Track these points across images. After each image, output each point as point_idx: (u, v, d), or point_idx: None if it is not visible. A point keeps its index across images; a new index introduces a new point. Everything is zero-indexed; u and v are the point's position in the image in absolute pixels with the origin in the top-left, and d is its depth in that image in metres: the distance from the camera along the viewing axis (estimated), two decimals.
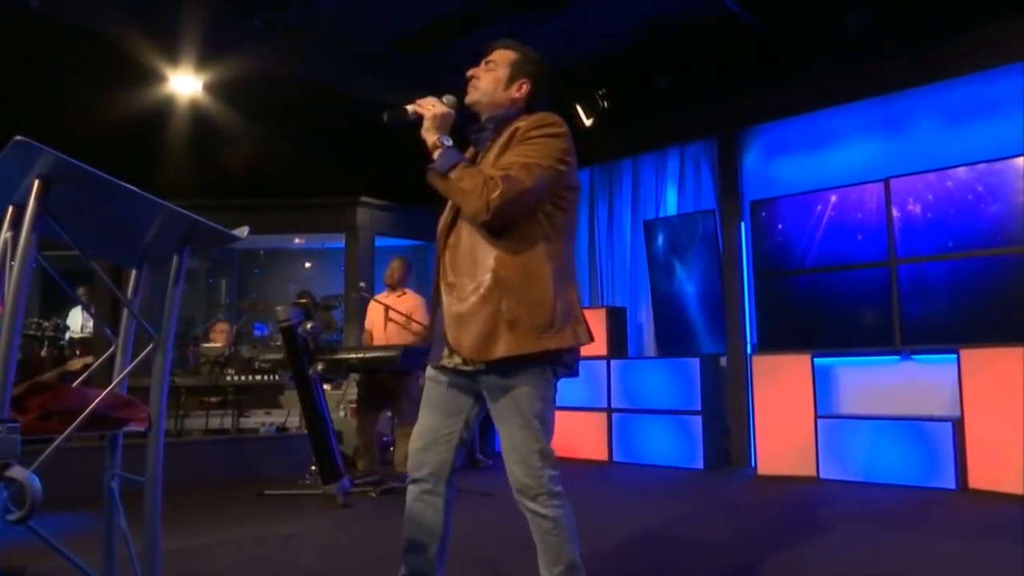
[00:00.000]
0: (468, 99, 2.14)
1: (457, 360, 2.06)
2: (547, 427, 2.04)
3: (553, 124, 2.05)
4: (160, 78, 6.28)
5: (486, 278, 1.99)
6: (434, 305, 2.18)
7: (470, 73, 2.16)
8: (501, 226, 1.98)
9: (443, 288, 2.08)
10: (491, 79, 2.13)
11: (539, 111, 2.13)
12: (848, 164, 5.83)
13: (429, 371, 2.18)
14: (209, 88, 6.51)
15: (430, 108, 2.07)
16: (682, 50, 6.23)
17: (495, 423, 2.07)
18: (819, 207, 5.68)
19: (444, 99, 2.12)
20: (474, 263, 2.01)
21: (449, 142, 2.04)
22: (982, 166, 4.99)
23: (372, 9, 5.74)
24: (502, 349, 1.96)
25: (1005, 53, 5.00)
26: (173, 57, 6.00)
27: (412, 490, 2.13)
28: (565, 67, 6.61)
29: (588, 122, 6.83)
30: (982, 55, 5.09)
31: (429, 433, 2.13)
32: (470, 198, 1.96)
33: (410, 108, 2.09)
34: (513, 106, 2.13)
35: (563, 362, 2.06)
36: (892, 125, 5.73)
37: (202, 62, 6.12)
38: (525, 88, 2.13)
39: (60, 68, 6.02)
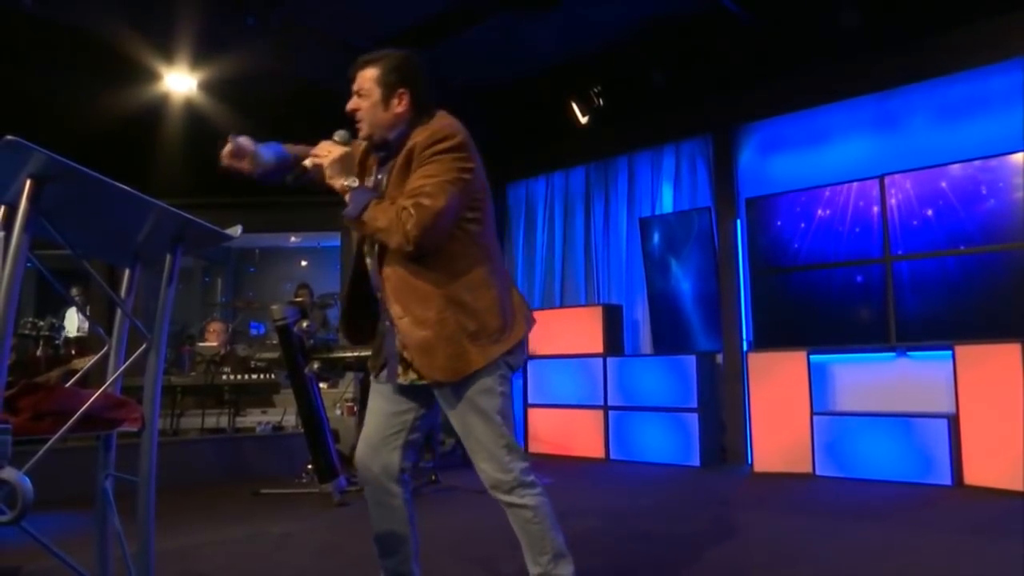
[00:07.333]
0: (361, 135, 2.10)
1: (413, 376, 2.07)
2: (508, 421, 2.04)
3: (447, 137, 1.98)
4: (155, 76, 6.26)
5: (438, 301, 1.98)
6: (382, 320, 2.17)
7: (349, 108, 2.09)
8: (428, 251, 1.97)
9: (392, 316, 2.06)
10: (369, 106, 2.05)
11: (431, 110, 2.08)
12: (844, 161, 5.82)
13: (374, 382, 2.18)
14: (204, 86, 6.49)
15: (326, 155, 2.06)
16: (677, 47, 6.23)
17: (455, 427, 2.07)
18: (814, 204, 5.68)
19: (336, 137, 2.11)
20: (417, 290, 2.00)
21: (355, 183, 2.03)
22: (977, 163, 4.99)
23: (366, 6, 5.73)
24: (473, 364, 1.99)
25: (1002, 49, 5.00)
26: (168, 55, 5.98)
27: (368, 494, 2.14)
28: (560, 64, 6.63)
29: (583, 120, 6.83)
30: (978, 51, 5.09)
31: (372, 436, 2.13)
32: (389, 234, 1.94)
33: (308, 163, 2.10)
34: (401, 121, 2.06)
35: (513, 354, 2.08)
36: (888, 122, 5.72)
37: (197, 60, 6.11)
38: (405, 99, 2.05)
39: (54, 67, 6.00)
